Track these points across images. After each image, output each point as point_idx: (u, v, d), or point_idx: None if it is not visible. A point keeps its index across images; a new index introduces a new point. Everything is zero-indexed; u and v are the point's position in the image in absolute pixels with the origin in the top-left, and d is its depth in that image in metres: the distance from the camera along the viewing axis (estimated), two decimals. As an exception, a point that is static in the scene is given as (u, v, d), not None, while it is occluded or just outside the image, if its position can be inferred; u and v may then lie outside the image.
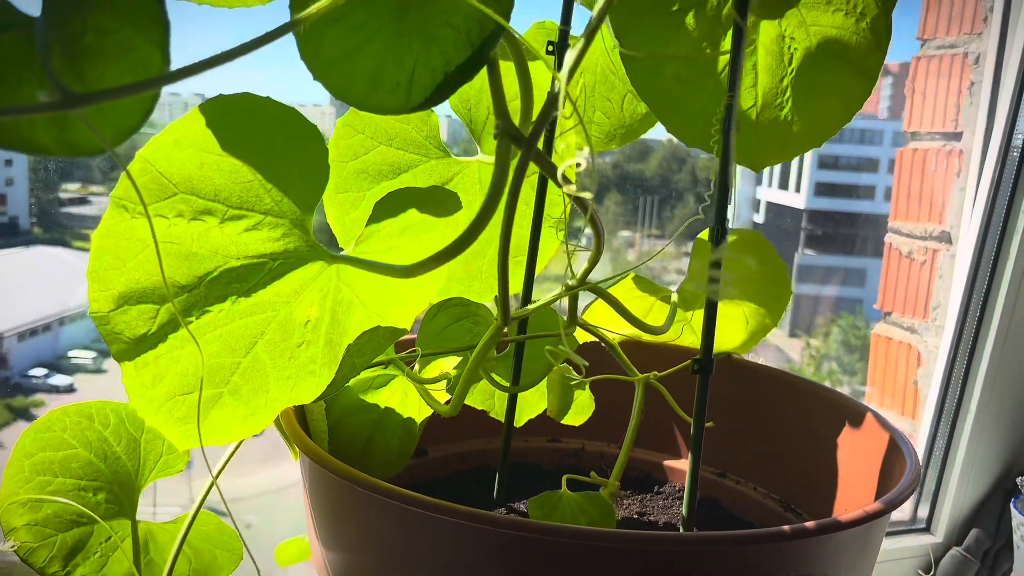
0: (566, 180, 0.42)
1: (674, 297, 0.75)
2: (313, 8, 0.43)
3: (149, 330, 0.48)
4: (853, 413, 0.69)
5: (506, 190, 0.45)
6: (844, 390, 0.81)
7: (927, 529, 1.11)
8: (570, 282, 0.62)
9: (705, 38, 0.57)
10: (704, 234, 0.76)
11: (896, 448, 0.60)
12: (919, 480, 0.54)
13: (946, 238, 1.19)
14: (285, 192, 0.50)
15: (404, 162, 0.67)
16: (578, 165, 0.38)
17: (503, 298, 0.50)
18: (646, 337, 0.74)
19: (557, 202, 0.73)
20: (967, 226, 1.12)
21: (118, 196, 0.45)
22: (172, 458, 0.60)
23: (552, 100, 0.43)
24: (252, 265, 0.50)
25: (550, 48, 0.63)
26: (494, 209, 0.42)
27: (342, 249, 0.55)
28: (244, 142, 0.49)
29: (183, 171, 0.47)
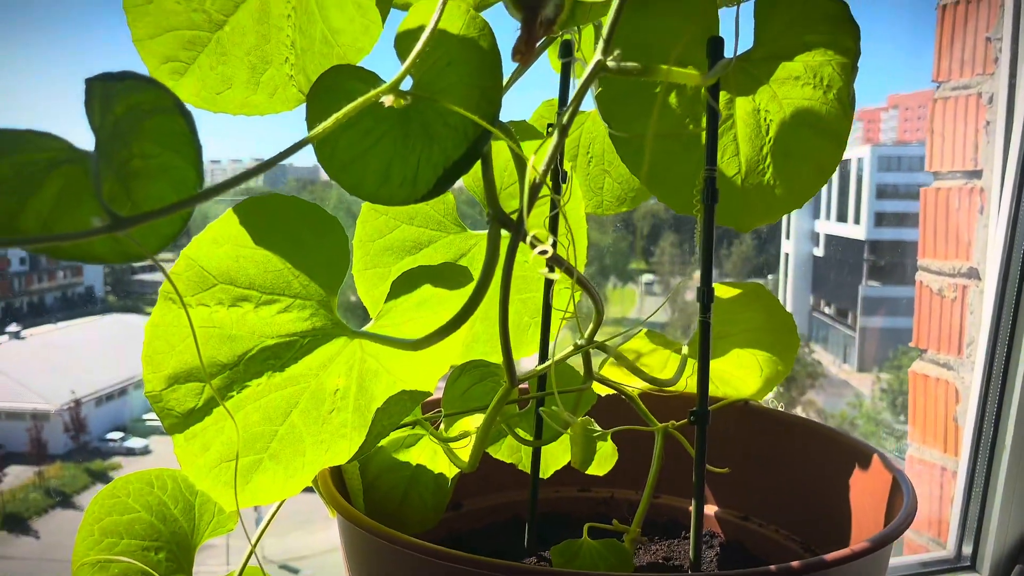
0: (545, 254, 0.47)
1: (685, 349, 0.79)
2: (329, 122, 0.50)
3: (196, 405, 0.55)
4: (862, 455, 0.71)
5: (499, 268, 0.50)
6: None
7: (972, 567, 1.11)
8: (579, 341, 0.67)
9: (687, 115, 0.62)
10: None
11: (898, 487, 0.63)
12: (911, 518, 0.57)
13: (975, 274, 1.21)
14: (312, 277, 0.57)
15: (425, 238, 0.73)
16: (544, 252, 0.43)
17: (507, 362, 0.56)
18: (666, 388, 0.78)
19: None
20: (992, 262, 1.13)
21: (166, 291, 0.52)
22: (223, 518, 0.66)
23: (535, 188, 0.48)
24: (285, 343, 0.56)
25: (550, 129, 0.69)
26: (487, 287, 0.48)
27: (371, 320, 0.61)
28: (274, 236, 0.55)
29: (221, 265, 0.54)
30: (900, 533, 0.54)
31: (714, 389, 0.86)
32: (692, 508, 0.59)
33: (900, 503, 0.61)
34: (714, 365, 0.84)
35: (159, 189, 0.46)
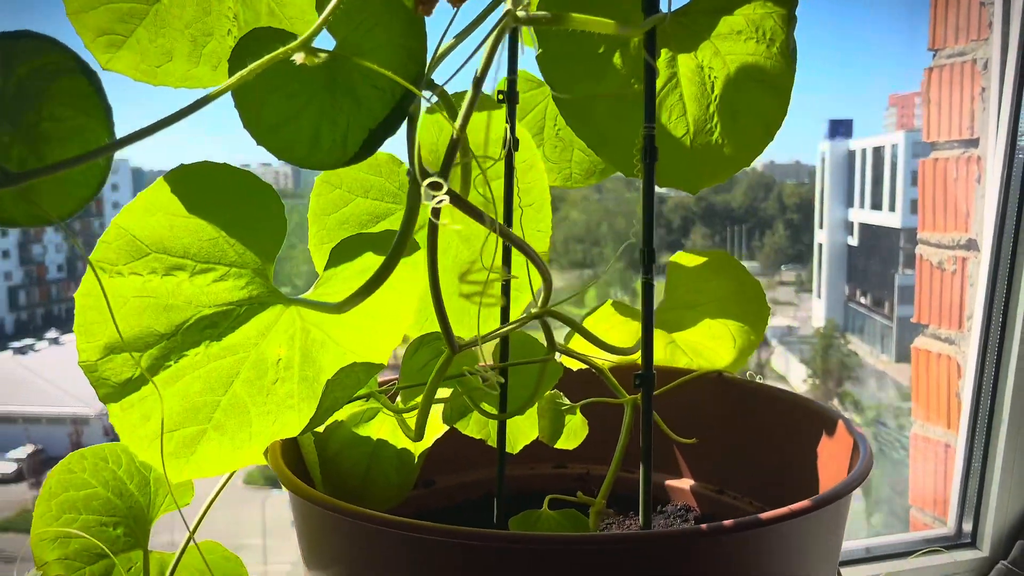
0: (441, 203, 0.46)
1: (651, 320, 0.77)
2: (244, 72, 0.50)
3: (133, 375, 0.55)
4: (829, 421, 0.70)
5: (425, 231, 0.50)
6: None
7: (973, 544, 1.08)
8: (533, 310, 0.66)
9: (632, 75, 0.61)
10: (677, 256, 0.79)
11: (857, 451, 0.61)
12: (857, 481, 0.55)
13: (974, 246, 1.18)
14: (247, 246, 0.56)
15: (381, 211, 0.73)
16: (440, 201, 0.43)
17: (444, 328, 0.55)
18: (627, 357, 0.77)
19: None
20: (987, 232, 1.10)
21: (96, 259, 0.53)
22: (178, 492, 0.66)
23: (453, 146, 0.48)
24: (222, 312, 0.56)
25: (500, 97, 0.68)
26: (401, 250, 0.47)
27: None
28: (207, 204, 0.55)
29: (154, 233, 0.54)
30: (842, 495, 0.52)
31: (687, 361, 0.84)
32: (640, 474, 0.58)
33: (857, 465, 0.60)
34: (686, 336, 0.83)
35: (71, 152, 0.46)
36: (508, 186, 0.67)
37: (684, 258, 0.78)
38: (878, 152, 26.93)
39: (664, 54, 0.60)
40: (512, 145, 0.67)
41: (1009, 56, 1.03)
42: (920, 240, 1.29)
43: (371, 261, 0.60)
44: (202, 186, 0.55)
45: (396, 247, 0.48)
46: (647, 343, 0.59)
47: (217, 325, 0.56)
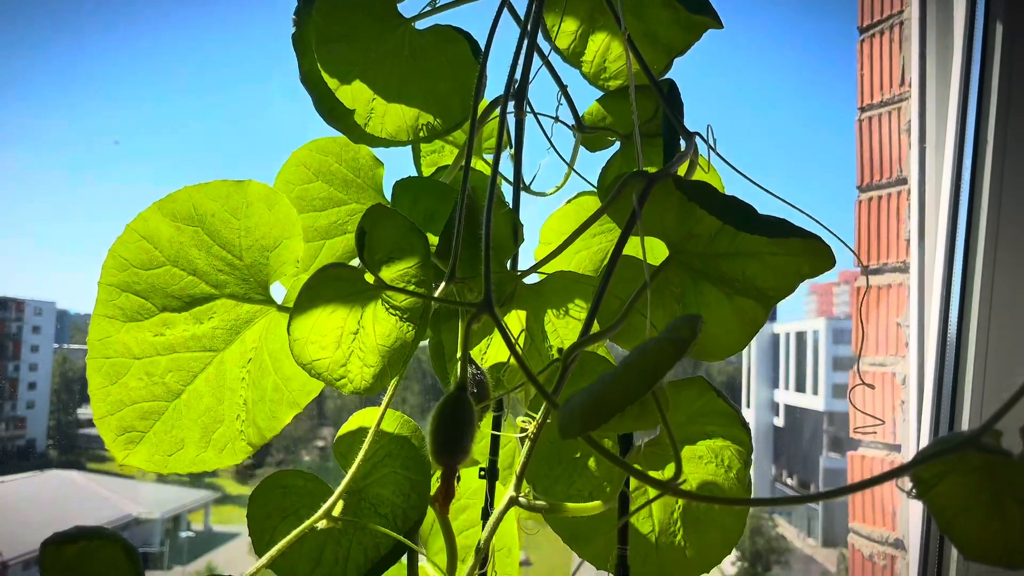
0: None
1: None
2: (273, 551, 0.55)
3: None
4: None
5: None
6: None
7: None
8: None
9: (605, 477, 0.68)
10: None
11: None
12: None
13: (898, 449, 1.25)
14: None
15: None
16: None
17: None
18: None
19: None
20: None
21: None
22: None
23: None
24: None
25: (481, 474, 0.74)
26: None
27: None
28: None
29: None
30: None
31: None
32: None
33: None
34: None
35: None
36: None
37: None
38: (800, 336, 28.09)
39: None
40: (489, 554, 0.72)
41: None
42: (852, 530, 1.37)
43: None
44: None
45: None
46: None
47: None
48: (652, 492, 0.67)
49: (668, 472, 0.67)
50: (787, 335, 28.68)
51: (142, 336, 0.63)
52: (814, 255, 0.55)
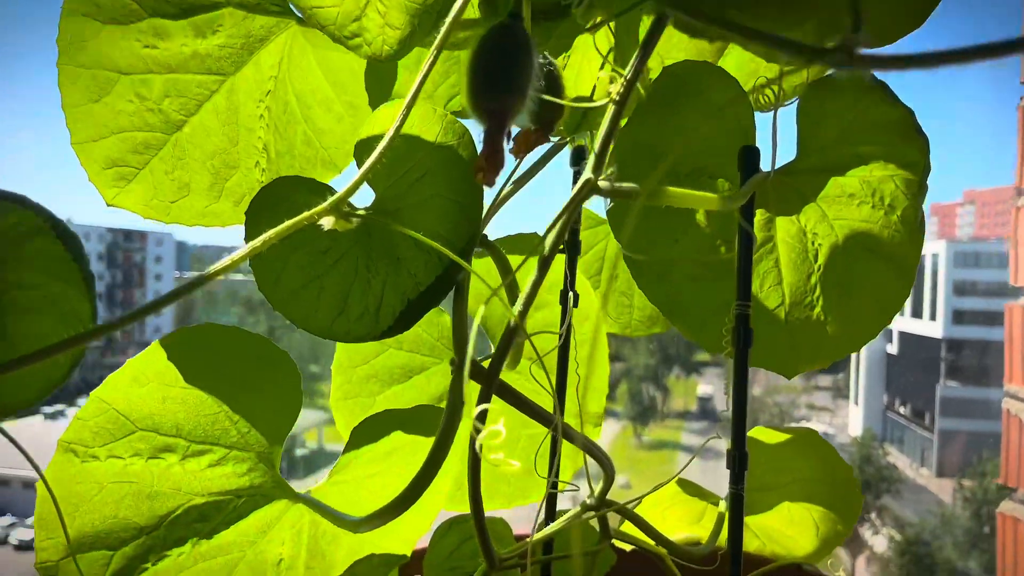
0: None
1: (722, 505, 0.66)
2: (269, 234, 0.41)
3: (101, 579, 0.45)
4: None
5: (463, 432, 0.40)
6: None
7: None
8: (588, 500, 0.56)
9: (718, 235, 0.52)
10: (755, 431, 0.68)
11: None
12: None
13: (1072, 406, 1.05)
14: (253, 423, 0.47)
15: (416, 364, 0.64)
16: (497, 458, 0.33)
17: (483, 544, 0.45)
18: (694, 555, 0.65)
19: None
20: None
21: (67, 440, 0.43)
22: None
23: (509, 334, 0.38)
24: (215, 503, 0.46)
25: (561, 247, 0.59)
26: (444, 454, 0.38)
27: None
28: (209, 373, 0.46)
29: (143, 407, 0.45)
30: None
31: (759, 546, 0.73)
32: None
33: None
34: (760, 520, 0.71)
35: (45, 325, 0.38)
36: (563, 354, 0.58)
37: (763, 433, 0.67)
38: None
39: (760, 215, 0.51)
40: (573, 302, 0.58)
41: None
42: (1008, 394, 1.17)
43: (399, 441, 0.50)
44: (206, 352, 0.46)
45: (434, 456, 0.38)
46: (735, 564, 0.48)
47: (208, 519, 0.46)
48: (782, 237, 0.51)
49: (805, 218, 0.51)
50: (904, 259, 27.10)
51: (128, 45, 0.51)
52: None
